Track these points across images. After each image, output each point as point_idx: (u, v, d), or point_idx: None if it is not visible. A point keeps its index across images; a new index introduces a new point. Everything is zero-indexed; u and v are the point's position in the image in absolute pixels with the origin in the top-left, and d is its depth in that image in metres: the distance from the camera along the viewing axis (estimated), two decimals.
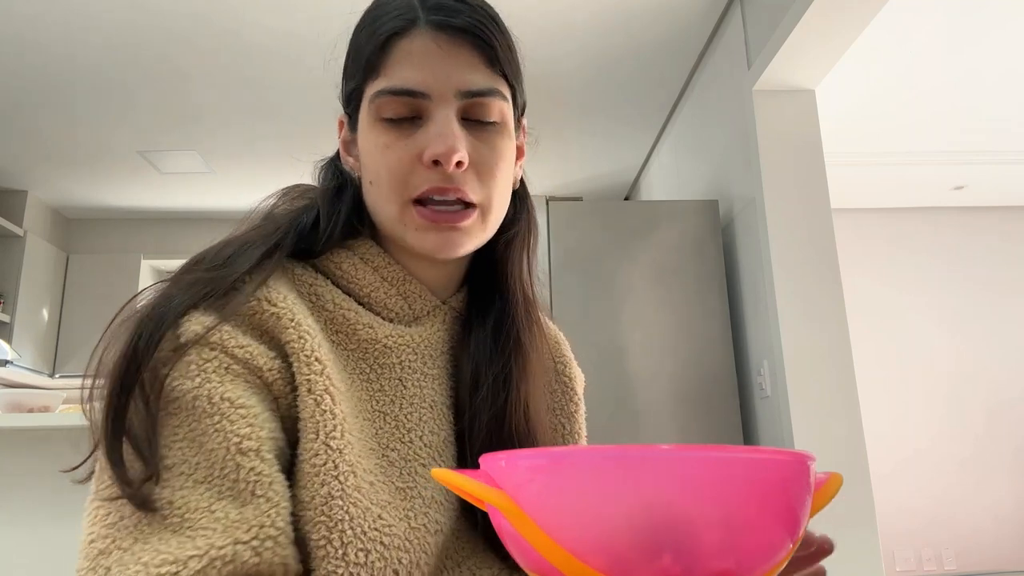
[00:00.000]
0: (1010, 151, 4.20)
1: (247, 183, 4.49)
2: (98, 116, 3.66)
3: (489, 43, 0.60)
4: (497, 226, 0.66)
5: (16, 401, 1.80)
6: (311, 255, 0.65)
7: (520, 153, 0.70)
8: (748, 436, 2.63)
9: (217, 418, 0.51)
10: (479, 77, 0.60)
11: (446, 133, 0.58)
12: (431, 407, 0.63)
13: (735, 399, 2.62)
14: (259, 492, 0.50)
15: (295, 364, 0.56)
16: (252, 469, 0.50)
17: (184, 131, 3.84)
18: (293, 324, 0.57)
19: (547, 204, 2.75)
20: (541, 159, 4.21)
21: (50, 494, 1.78)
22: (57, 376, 4.65)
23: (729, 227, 2.86)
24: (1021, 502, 4.55)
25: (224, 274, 0.58)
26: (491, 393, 0.65)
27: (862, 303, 4.63)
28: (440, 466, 0.61)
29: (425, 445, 0.61)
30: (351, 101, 0.66)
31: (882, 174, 4.39)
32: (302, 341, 0.56)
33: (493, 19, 0.62)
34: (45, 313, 4.64)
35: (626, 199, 4.74)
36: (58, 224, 4.97)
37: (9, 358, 4.10)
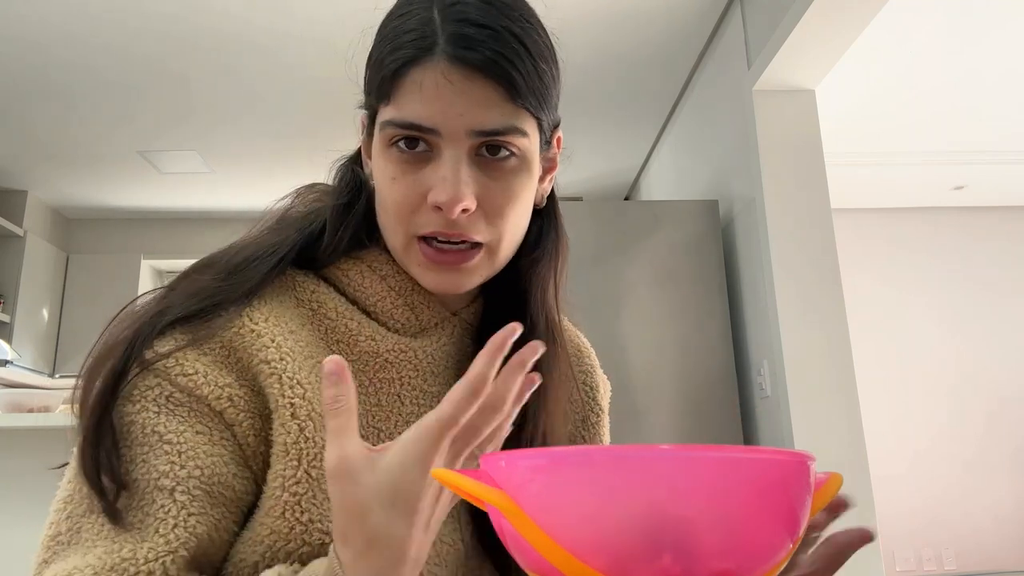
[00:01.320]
0: (1010, 151, 4.20)
1: (247, 183, 4.49)
2: (98, 116, 3.66)
3: (509, 77, 0.55)
4: (507, 260, 0.62)
5: (16, 401, 1.80)
6: (316, 263, 0.63)
7: (552, 166, 0.65)
8: (748, 436, 2.63)
9: (145, 449, 0.51)
10: (495, 115, 0.55)
11: (451, 179, 0.54)
12: None
13: (735, 399, 2.62)
14: (161, 531, 0.49)
15: (275, 386, 0.54)
16: (161, 507, 0.50)
17: (184, 131, 3.84)
18: (274, 344, 0.56)
19: None
20: None
21: (50, 494, 1.78)
22: (57, 376, 4.65)
23: (729, 227, 2.86)
24: (1021, 502, 4.55)
25: (226, 287, 0.57)
26: None
27: (862, 303, 4.63)
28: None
29: None
30: (369, 113, 0.62)
31: (882, 174, 4.39)
32: (283, 363, 0.55)
33: (521, 42, 0.56)
34: (45, 313, 4.64)
35: (626, 199, 4.74)
36: (58, 224, 4.97)
37: (9, 358, 4.11)
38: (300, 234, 0.62)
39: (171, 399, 0.53)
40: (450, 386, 0.62)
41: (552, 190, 0.67)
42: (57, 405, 1.86)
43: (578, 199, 2.83)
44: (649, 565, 0.30)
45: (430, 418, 0.42)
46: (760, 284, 2.56)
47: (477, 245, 0.58)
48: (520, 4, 0.58)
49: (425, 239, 0.58)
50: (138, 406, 0.52)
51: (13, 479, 1.80)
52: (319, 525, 0.53)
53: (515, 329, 0.44)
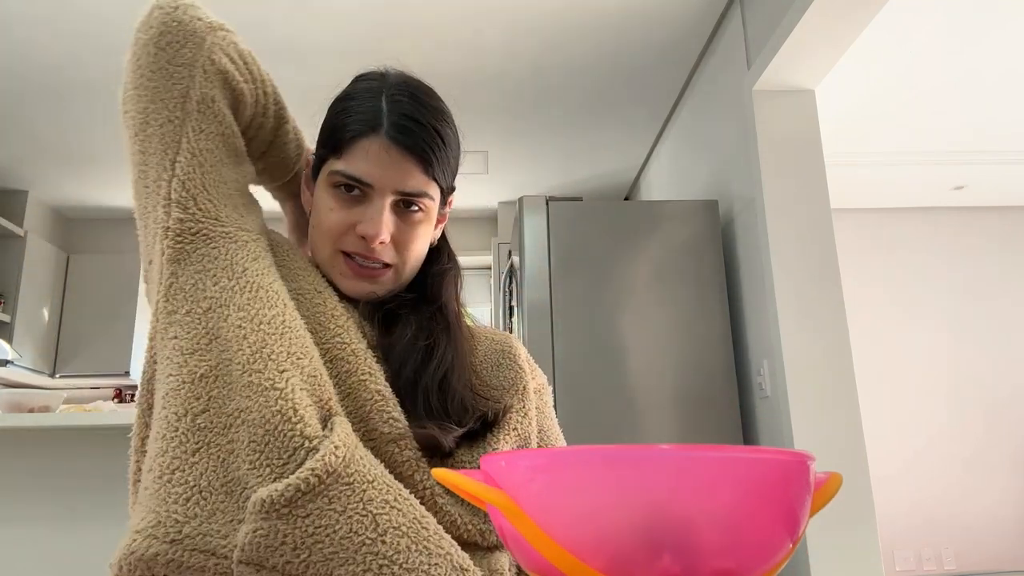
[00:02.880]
0: (1010, 151, 4.20)
1: None
2: (98, 116, 3.66)
3: (427, 159, 0.77)
4: (410, 279, 0.84)
5: (16, 401, 1.80)
6: None
7: (443, 218, 0.88)
8: (748, 436, 2.63)
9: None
10: (414, 182, 0.78)
11: (377, 220, 0.77)
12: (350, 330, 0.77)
13: (735, 399, 2.62)
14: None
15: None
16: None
17: None
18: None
19: (547, 204, 2.75)
20: (541, 159, 4.21)
21: (50, 494, 1.78)
22: (57, 376, 4.65)
23: (729, 227, 2.86)
24: (1021, 502, 4.55)
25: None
26: (419, 348, 0.78)
27: (862, 303, 4.63)
28: (373, 372, 0.73)
29: (346, 344, 0.74)
30: (318, 158, 0.82)
31: (882, 174, 4.39)
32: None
33: (439, 134, 0.79)
34: (45, 313, 4.64)
35: (626, 199, 4.74)
36: (58, 224, 4.97)
37: (9, 358, 4.11)
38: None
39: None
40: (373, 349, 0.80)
41: (443, 231, 0.91)
42: (57, 405, 1.86)
43: (578, 199, 2.82)
44: (649, 565, 0.30)
45: None
46: (760, 284, 2.56)
47: (387, 266, 0.80)
48: (440, 105, 0.81)
49: (348, 255, 0.79)
50: None
51: (13, 479, 1.80)
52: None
53: None
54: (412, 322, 0.81)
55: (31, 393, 1.84)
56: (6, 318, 4.33)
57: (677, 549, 0.30)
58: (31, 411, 1.80)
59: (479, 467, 0.36)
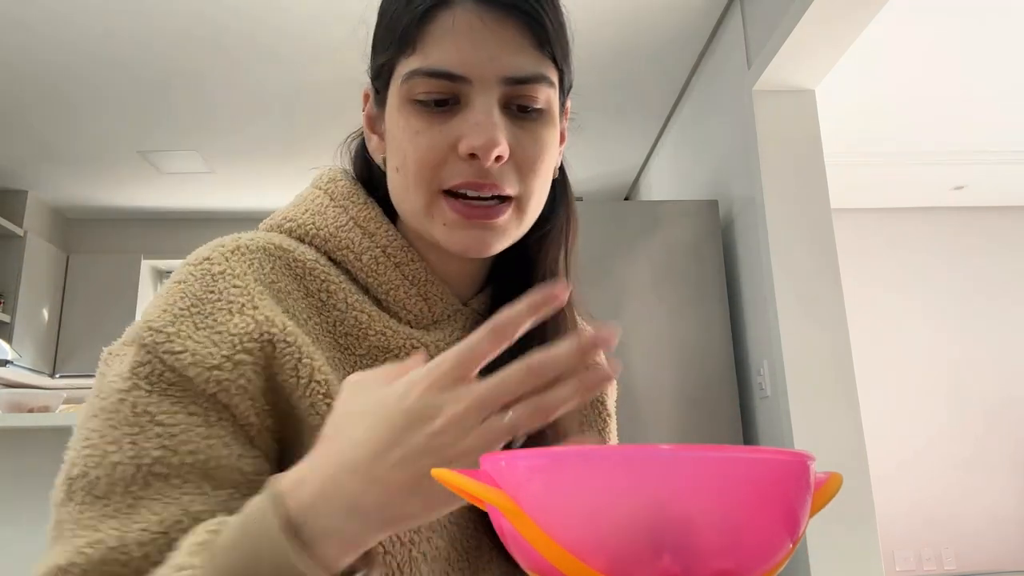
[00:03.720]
0: (1010, 151, 4.20)
1: (247, 183, 4.49)
2: (98, 116, 3.66)
3: (540, 21, 0.54)
4: (532, 222, 0.60)
5: (16, 401, 1.80)
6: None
7: (562, 138, 0.63)
8: (748, 436, 2.63)
9: (135, 430, 0.48)
10: (526, 61, 0.54)
11: (486, 124, 0.53)
12: None
13: (735, 399, 2.62)
14: (156, 511, 0.46)
15: (292, 365, 0.52)
16: (157, 490, 0.47)
17: (184, 131, 3.84)
18: (286, 330, 0.54)
19: None
20: None
21: (50, 494, 1.78)
22: (57, 376, 4.65)
23: (729, 227, 2.86)
24: (1021, 502, 4.55)
25: None
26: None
27: (862, 303, 4.63)
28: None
29: None
30: (380, 75, 0.59)
31: (882, 174, 4.39)
32: (298, 343, 0.53)
33: None
34: (45, 313, 4.64)
35: (626, 199, 4.74)
36: (58, 224, 4.97)
37: (9, 358, 4.10)
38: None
39: (162, 378, 0.49)
40: None
41: (562, 163, 0.64)
42: (57, 405, 1.86)
43: (578, 199, 2.82)
44: (649, 565, 0.30)
45: (449, 351, 0.40)
46: (760, 284, 2.56)
47: (506, 200, 0.56)
48: None
49: (453, 194, 0.55)
50: (130, 383, 0.49)
51: (13, 479, 1.80)
52: None
53: (563, 291, 0.40)
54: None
55: (31, 393, 1.84)
56: (6, 318, 4.33)
57: (677, 549, 0.30)
58: (31, 411, 1.80)
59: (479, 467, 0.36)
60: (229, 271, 0.54)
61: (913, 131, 3.91)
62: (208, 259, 0.55)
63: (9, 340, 4.25)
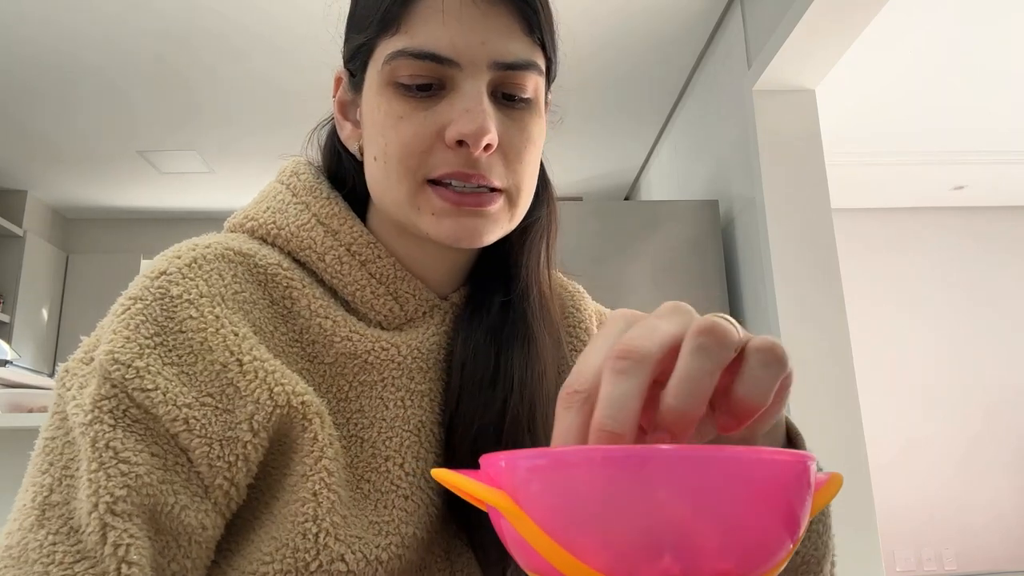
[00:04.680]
0: (1010, 151, 4.20)
1: (247, 183, 4.49)
2: (98, 116, 3.66)
3: (532, 6, 0.52)
4: (524, 214, 0.57)
5: (16, 401, 1.80)
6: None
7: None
8: None
9: (95, 467, 0.44)
10: (517, 47, 0.51)
11: (476, 110, 0.50)
12: (416, 431, 0.54)
13: None
14: (132, 558, 0.42)
15: (265, 392, 0.49)
16: (125, 531, 0.43)
17: (184, 131, 3.84)
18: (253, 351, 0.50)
19: None
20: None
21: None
22: None
23: (729, 227, 2.86)
24: (1021, 501, 4.55)
25: None
26: (483, 402, 0.55)
27: (862, 303, 4.63)
28: (423, 495, 0.53)
29: (407, 474, 0.52)
30: (356, 56, 0.56)
31: (882, 174, 4.39)
32: (271, 366, 0.50)
33: None
34: (45, 313, 4.64)
35: (626, 199, 4.74)
36: (58, 224, 4.97)
37: (9, 358, 4.10)
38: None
39: (127, 414, 0.46)
40: (440, 381, 0.56)
41: (541, 161, 0.62)
42: None
43: (578, 199, 2.83)
44: (649, 565, 0.30)
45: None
46: (760, 284, 2.56)
47: (496, 191, 0.53)
48: None
49: (438, 183, 0.52)
50: (92, 416, 0.46)
51: (13, 479, 1.80)
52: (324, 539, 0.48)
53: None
54: (480, 340, 0.57)
55: (31, 393, 1.83)
56: (6, 318, 4.33)
57: (677, 549, 0.30)
58: (31, 411, 1.80)
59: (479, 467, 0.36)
60: (186, 294, 0.50)
61: (913, 131, 3.91)
62: (165, 274, 0.51)
63: (9, 340, 4.25)
